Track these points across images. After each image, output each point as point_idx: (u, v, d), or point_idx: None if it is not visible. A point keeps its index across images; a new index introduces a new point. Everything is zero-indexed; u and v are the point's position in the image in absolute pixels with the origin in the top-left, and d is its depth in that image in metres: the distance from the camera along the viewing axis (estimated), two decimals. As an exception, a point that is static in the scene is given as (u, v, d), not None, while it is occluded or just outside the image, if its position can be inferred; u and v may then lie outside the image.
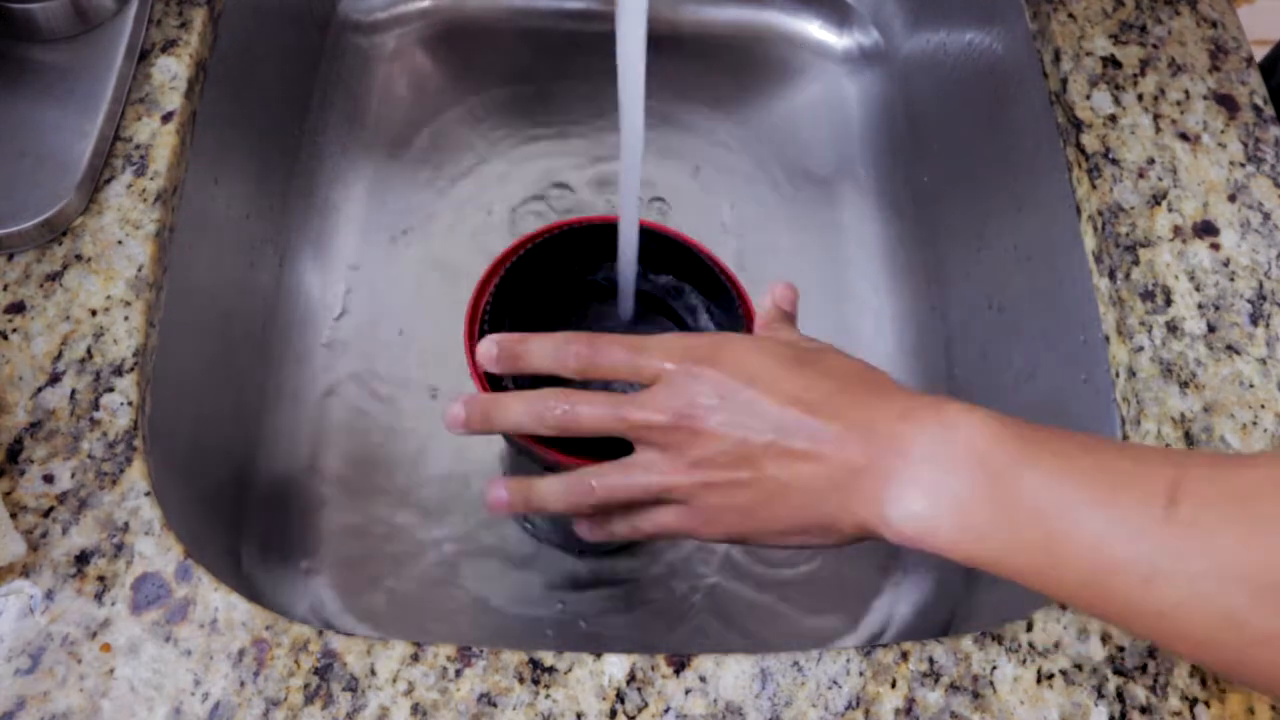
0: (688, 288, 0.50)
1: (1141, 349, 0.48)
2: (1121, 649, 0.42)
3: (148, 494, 0.42)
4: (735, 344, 0.40)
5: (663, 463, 0.40)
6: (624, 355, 0.40)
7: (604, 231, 0.48)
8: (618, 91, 0.40)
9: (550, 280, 0.50)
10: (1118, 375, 0.49)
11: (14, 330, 0.45)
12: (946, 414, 0.36)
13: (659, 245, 0.49)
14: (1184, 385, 0.47)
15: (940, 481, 0.35)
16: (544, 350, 0.42)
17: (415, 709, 0.39)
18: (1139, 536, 0.32)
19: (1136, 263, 0.50)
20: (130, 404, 0.44)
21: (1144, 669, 0.41)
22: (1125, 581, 0.32)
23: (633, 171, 0.43)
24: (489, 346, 0.43)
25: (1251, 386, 0.47)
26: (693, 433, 0.38)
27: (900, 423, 0.36)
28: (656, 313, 0.51)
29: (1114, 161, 0.53)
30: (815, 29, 0.81)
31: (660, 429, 0.39)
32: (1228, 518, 0.31)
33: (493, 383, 0.45)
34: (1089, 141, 0.54)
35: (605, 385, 0.47)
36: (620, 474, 0.41)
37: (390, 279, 0.68)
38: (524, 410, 0.42)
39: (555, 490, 0.42)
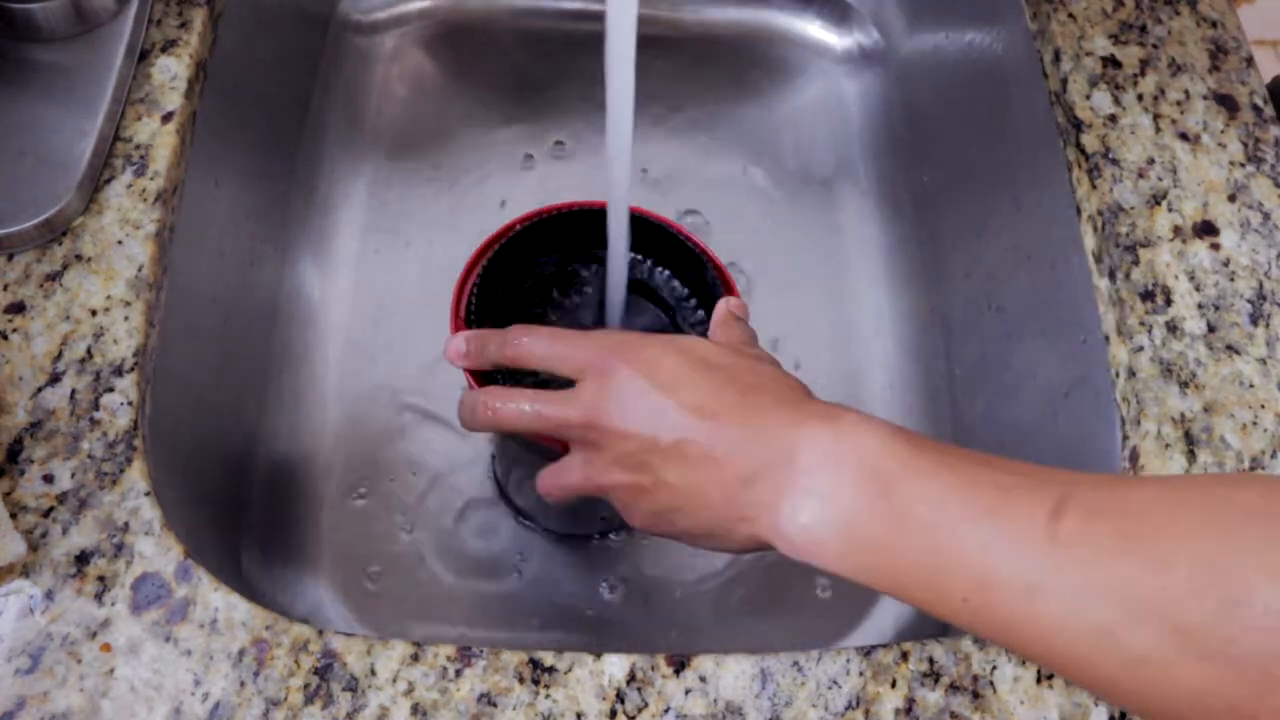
0: (670, 273, 0.50)
1: (1141, 349, 0.48)
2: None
3: (148, 494, 0.42)
4: (652, 345, 0.40)
5: (585, 464, 0.41)
6: (545, 349, 0.41)
7: (589, 216, 0.48)
8: (605, 83, 0.40)
9: (535, 265, 0.50)
10: (1118, 375, 0.49)
11: (14, 330, 0.45)
12: (841, 424, 0.36)
13: (640, 230, 0.49)
14: (1184, 385, 0.47)
15: (828, 492, 0.35)
16: (496, 344, 0.43)
17: (415, 709, 0.39)
18: (1022, 550, 0.32)
19: (1136, 263, 0.50)
20: (130, 404, 0.44)
21: (1144, 669, 0.41)
22: (1008, 595, 0.32)
23: (621, 164, 0.43)
24: (459, 344, 0.44)
25: (1251, 386, 0.47)
26: (604, 430, 0.39)
27: (791, 429, 0.36)
28: (646, 299, 0.51)
29: (1114, 161, 0.53)
30: (815, 29, 0.81)
31: (577, 426, 0.40)
32: (1108, 534, 0.31)
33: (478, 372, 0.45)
34: (1089, 141, 0.54)
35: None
36: (555, 473, 0.43)
37: (390, 279, 0.68)
38: (462, 406, 0.44)
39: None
